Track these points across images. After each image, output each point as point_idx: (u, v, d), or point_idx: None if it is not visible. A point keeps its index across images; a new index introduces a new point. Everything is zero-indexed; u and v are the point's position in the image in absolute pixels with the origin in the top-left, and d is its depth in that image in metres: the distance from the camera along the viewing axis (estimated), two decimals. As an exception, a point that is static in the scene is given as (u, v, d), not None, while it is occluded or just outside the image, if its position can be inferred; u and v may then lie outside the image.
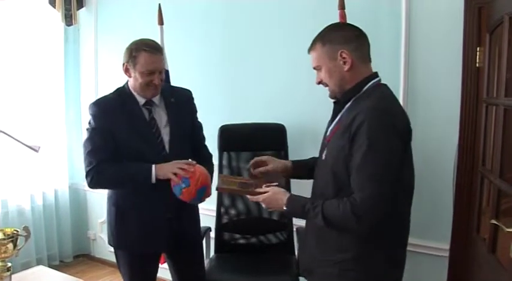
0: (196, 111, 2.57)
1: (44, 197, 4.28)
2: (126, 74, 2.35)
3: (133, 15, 4.03)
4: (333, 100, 1.91)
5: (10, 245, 2.03)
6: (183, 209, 2.37)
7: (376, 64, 2.81)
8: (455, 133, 2.55)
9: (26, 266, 3.52)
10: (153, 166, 2.22)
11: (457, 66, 2.52)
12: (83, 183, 4.47)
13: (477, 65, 2.44)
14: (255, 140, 2.97)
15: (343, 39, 1.79)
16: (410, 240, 2.76)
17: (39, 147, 2.90)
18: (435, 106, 2.69)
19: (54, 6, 4.16)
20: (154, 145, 2.34)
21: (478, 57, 2.43)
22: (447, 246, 2.62)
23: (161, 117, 2.38)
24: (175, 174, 2.17)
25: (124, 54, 2.33)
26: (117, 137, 2.29)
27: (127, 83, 2.40)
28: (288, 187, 2.37)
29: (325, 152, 1.85)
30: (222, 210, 3.04)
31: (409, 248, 2.77)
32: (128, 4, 4.09)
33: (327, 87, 1.87)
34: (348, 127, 1.70)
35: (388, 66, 2.81)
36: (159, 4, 3.39)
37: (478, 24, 2.42)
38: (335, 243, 1.81)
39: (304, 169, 2.10)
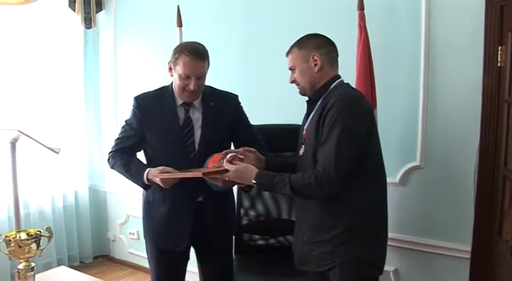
0: (242, 115, 2.59)
1: (64, 199, 4.34)
2: (169, 72, 2.41)
3: (152, 18, 4.06)
4: (305, 100, 2.21)
5: (34, 246, 2.05)
6: (212, 211, 2.45)
7: (396, 63, 2.83)
8: (476, 133, 2.51)
9: (47, 266, 3.56)
10: (146, 170, 2.32)
11: (478, 66, 2.48)
12: (103, 184, 4.56)
13: (498, 64, 2.40)
14: (274, 142, 2.95)
15: (315, 45, 2.11)
16: (432, 241, 2.78)
17: (60, 149, 2.93)
18: (456, 106, 2.66)
19: (74, 10, 4.22)
20: (184, 145, 2.38)
21: (499, 56, 2.39)
22: (468, 248, 2.58)
23: (197, 118, 2.42)
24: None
25: (171, 54, 2.38)
26: (146, 135, 2.41)
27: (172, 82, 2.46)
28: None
29: (302, 148, 2.14)
30: (242, 211, 3.03)
31: (430, 249, 2.79)
32: (147, 7, 4.12)
33: (297, 86, 2.18)
34: (319, 115, 2.00)
35: (408, 65, 2.79)
36: (178, 6, 3.40)
37: (500, 22, 2.38)
38: (325, 223, 2.04)
39: (278, 164, 2.29)
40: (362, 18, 2.69)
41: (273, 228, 3.04)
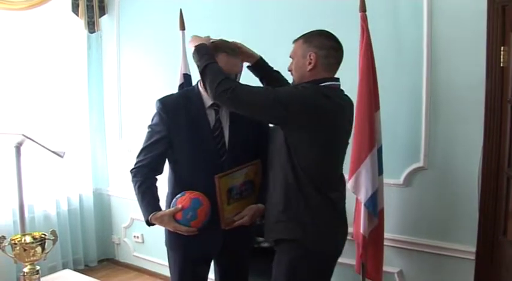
0: None
1: (69, 202, 4.34)
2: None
3: (155, 21, 4.07)
4: None
5: (38, 249, 2.06)
6: None
7: (399, 64, 2.83)
8: (479, 134, 2.51)
9: (52, 270, 3.57)
10: (153, 213, 2.19)
11: (481, 66, 2.48)
12: (107, 188, 4.56)
13: (501, 64, 2.40)
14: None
15: (319, 45, 2.07)
16: (436, 243, 2.77)
17: (64, 153, 2.94)
18: (459, 107, 2.66)
19: (77, 14, 4.22)
20: (213, 150, 2.27)
21: (502, 56, 2.39)
22: (473, 249, 2.58)
23: (226, 119, 2.32)
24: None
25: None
26: (173, 140, 2.27)
27: (198, 82, 2.34)
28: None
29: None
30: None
31: (434, 250, 2.78)
32: (149, 10, 4.13)
33: (292, 76, 2.20)
34: None
35: (411, 67, 2.79)
36: (181, 9, 3.41)
37: (502, 23, 2.38)
38: (274, 200, 2.14)
39: (266, 69, 2.51)
40: (364, 19, 2.69)
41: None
